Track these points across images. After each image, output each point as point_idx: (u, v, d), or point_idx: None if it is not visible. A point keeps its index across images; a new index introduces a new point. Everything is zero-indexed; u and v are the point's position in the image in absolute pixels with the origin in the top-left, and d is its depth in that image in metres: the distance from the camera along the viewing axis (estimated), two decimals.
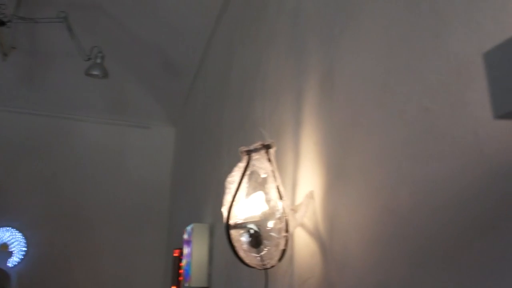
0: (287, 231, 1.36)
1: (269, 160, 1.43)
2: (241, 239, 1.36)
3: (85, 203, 5.35)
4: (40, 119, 5.39)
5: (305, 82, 1.62)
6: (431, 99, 0.93)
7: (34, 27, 4.46)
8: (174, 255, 4.26)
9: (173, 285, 4.18)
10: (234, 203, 1.35)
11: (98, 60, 3.79)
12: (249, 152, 1.42)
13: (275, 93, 1.94)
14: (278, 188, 1.40)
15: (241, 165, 1.43)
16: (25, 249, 5.09)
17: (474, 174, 0.79)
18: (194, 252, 2.77)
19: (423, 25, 0.98)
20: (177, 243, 4.39)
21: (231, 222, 1.34)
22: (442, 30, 0.92)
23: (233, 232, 1.34)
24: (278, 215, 1.36)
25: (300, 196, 1.49)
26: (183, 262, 3.11)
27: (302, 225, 1.42)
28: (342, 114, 1.31)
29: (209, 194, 3.08)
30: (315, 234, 1.38)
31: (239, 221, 1.35)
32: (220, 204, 2.69)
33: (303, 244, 1.45)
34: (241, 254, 1.35)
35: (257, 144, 1.44)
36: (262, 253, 1.36)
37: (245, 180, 1.39)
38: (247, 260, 1.36)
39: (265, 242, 1.37)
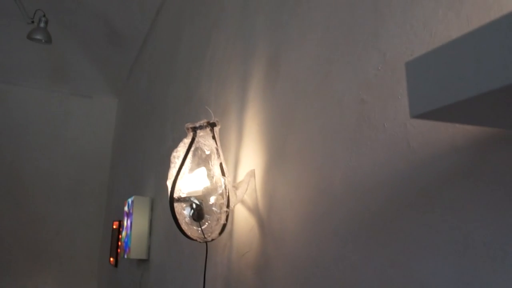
0: (228, 206, 1.44)
1: (214, 137, 1.49)
2: (184, 212, 1.42)
3: (22, 171, 5.22)
4: None
5: (252, 66, 1.68)
6: (367, 91, 1.02)
7: None
8: (113, 227, 4.27)
9: (111, 256, 4.20)
10: (178, 177, 1.40)
11: (42, 25, 3.69)
12: (194, 129, 1.47)
13: (222, 74, 1.99)
14: (221, 165, 1.47)
15: (186, 141, 1.48)
16: None
17: (400, 162, 0.89)
18: (134, 224, 2.80)
19: (365, 22, 1.06)
20: (116, 215, 4.40)
21: (175, 195, 1.39)
22: (381, 28, 1.00)
23: (176, 205, 1.40)
24: (220, 191, 1.43)
25: (242, 174, 1.57)
26: (123, 234, 3.14)
27: (243, 202, 1.50)
28: (285, 98, 1.39)
29: (151, 168, 3.11)
30: (254, 211, 1.46)
31: (183, 195, 1.41)
32: (162, 178, 2.73)
33: (243, 220, 1.53)
34: (184, 227, 1.41)
35: (202, 122, 1.50)
36: (203, 227, 1.43)
37: (190, 155, 1.44)
38: (189, 233, 1.42)
39: (206, 216, 1.43)
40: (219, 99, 1.95)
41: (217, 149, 1.48)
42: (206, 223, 1.44)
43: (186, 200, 1.42)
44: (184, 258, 2.15)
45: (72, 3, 4.37)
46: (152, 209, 2.87)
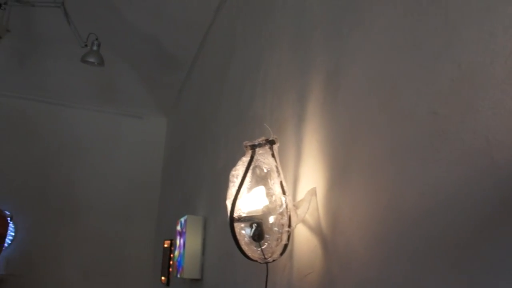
0: (289, 226, 1.39)
1: (273, 155, 1.46)
2: (244, 232, 1.39)
3: (75, 190, 5.34)
4: (30, 104, 5.36)
5: (309, 80, 1.64)
6: (441, 103, 0.96)
7: (29, 11, 4.42)
8: (165, 246, 4.29)
9: (163, 275, 4.21)
10: (238, 196, 1.37)
11: (95, 47, 3.79)
12: (253, 147, 1.45)
13: (277, 90, 1.97)
14: (281, 184, 1.43)
15: (245, 159, 1.45)
16: (13, 234, 5.07)
17: (483, 179, 0.83)
18: (188, 243, 2.79)
19: (435, 32, 1.01)
20: (167, 234, 4.42)
21: (235, 215, 1.36)
22: (454, 38, 0.95)
23: (236, 225, 1.37)
24: (281, 210, 1.39)
25: (302, 193, 1.52)
26: (175, 253, 3.13)
27: (303, 221, 1.46)
28: (348, 113, 1.34)
29: (203, 187, 3.10)
30: (316, 230, 1.41)
31: (243, 215, 1.38)
32: (214, 197, 2.72)
33: (304, 240, 1.48)
34: (244, 247, 1.37)
35: (261, 139, 1.47)
36: (263, 247, 1.39)
37: (249, 174, 1.41)
38: (249, 254, 1.38)
39: (266, 236, 1.40)
40: (275, 116, 1.92)
41: (277, 167, 1.44)
42: (266, 243, 1.40)
43: (246, 219, 1.38)
44: (239, 278, 2.11)
45: (122, 26, 4.48)
46: (204, 228, 2.85)
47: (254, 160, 1.44)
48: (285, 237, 1.40)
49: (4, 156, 5.17)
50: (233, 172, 1.46)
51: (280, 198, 1.41)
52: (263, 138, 1.48)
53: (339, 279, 1.25)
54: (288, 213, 1.40)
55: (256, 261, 1.41)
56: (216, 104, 3.10)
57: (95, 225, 5.34)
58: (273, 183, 1.43)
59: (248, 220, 1.38)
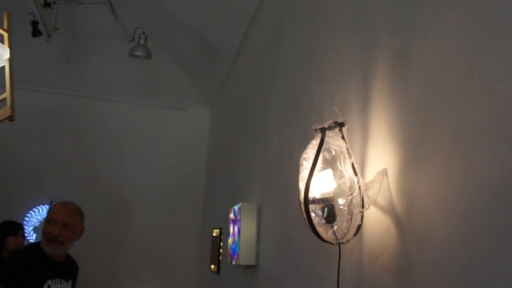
0: (362, 206, 1.40)
1: (343, 137, 1.46)
2: (317, 214, 1.40)
3: (123, 184, 5.48)
4: (77, 100, 5.51)
5: (373, 62, 1.64)
6: None
7: (75, 8, 4.54)
8: (213, 234, 4.35)
9: (212, 263, 4.27)
10: (311, 179, 1.39)
11: (142, 41, 3.86)
12: (323, 130, 1.45)
13: (336, 74, 1.97)
14: (353, 165, 1.44)
15: (315, 142, 1.46)
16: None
17: None
18: (243, 231, 2.83)
19: None
20: (215, 223, 4.48)
21: (309, 197, 1.38)
22: None
23: (310, 207, 1.38)
24: (353, 191, 1.40)
25: (370, 174, 1.52)
26: (229, 241, 3.18)
27: (374, 202, 1.46)
28: (421, 94, 1.33)
29: (255, 174, 3.13)
30: (389, 211, 1.41)
31: (317, 196, 1.39)
32: (268, 184, 2.74)
33: (374, 221, 1.48)
34: (318, 228, 1.39)
35: (330, 122, 1.47)
36: (336, 228, 1.40)
37: (320, 156, 1.42)
38: (323, 235, 1.40)
39: (340, 217, 1.41)
40: (336, 100, 1.92)
41: (347, 149, 1.45)
42: (338, 225, 1.41)
43: (319, 201, 1.40)
44: (301, 263, 2.12)
45: (167, 19, 4.55)
46: (259, 215, 2.88)
47: (325, 142, 1.44)
48: (358, 217, 1.41)
49: (55, 151, 5.34)
50: (303, 156, 1.48)
51: (353, 179, 1.42)
52: (331, 121, 1.49)
53: (417, 258, 1.25)
54: (361, 194, 1.40)
55: (329, 242, 1.43)
56: (265, 93, 3.11)
57: (143, 217, 5.47)
58: (345, 165, 1.43)
59: (321, 201, 1.40)
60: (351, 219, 1.42)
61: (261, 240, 2.83)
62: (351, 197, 1.41)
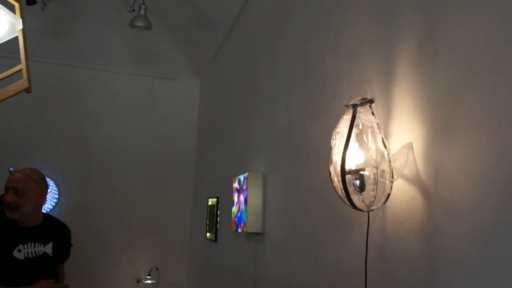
0: (392, 177, 1.52)
1: (373, 113, 1.57)
2: (351, 184, 1.52)
3: (113, 155, 5.52)
4: (67, 69, 5.47)
5: (397, 43, 1.73)
6: None
7: None
8: (209, 203, 4.46)
9: (209, 232, 4.39)
10: (346, 151, 1.50)
11: (142, 12, 3.85)
12: (354, 106, 1.56)
13: (354, 52, 2.05)
14: (382, 139, 1.55)
15: (346, 117, 1.57)
16: (57, 196, 5.25)
17: None
18: (250, 199, 2.94)
19: None
20: (210, 192, 4.58)
21: (346, 168, 1.49)
22: None
23: (346, 178, 1.49)
24: (384, 162, 1.52)
25: (394, 148, 1.64)
26: (234, 210, 3.29)
27: (401, 173, 1.58)
28: (449, 75, 1.43)
29: (259, 145, 3.22)
30: (415, 181, 1.53)
31: (352, 168, 1.51)
32: (274, 155, 2.85)
33: (400, 191, 1.60)
34: (353, 197, 1.51)
35: (359, 99, 1.58)
36: (366, 196, 1.53)
37: (354, 131, 1.53)
38: (356, 203, 1.52)
39: (369, 186, 1.53)
40: (354, 77, 2.01)
41: (377, 124, 1.56)
42: (368, 194, 1.53)
43: (354, 172, 1.51)
44: (314, 231, 2.25)
45: None
46: (264, 185, 2.99)
47: (356, 118, 1.55)
48: (388, 187, 1.53)
49: (44, 122, 5.33)
50: (337, 130, 1.58)
51: (383, 152, 1.53)
52: (360, 97, 1.59)
53: (445, 225, 1.37)
54: (391, 165, 1.52)
55: (360, 210, 1.55)
56: (269, 64, 3.18)
57: (134, 187, 5.53)
58: (375, 139, 1.55)
59: (355, 172, 1.52)
60: (379, 188, 1.55)
61: (267, 209, 2.95)
62: (381, 168, 1.53)
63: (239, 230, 3.09)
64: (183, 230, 5.70)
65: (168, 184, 5.70)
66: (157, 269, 5.42)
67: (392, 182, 1.53)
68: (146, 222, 5.54)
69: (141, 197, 5.56)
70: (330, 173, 1.65)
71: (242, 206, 3.04)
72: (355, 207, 1.54)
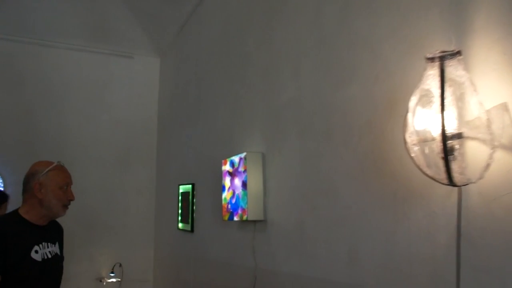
0: (492, 145, 1.24)
1: (464, 68, 1.28)
2: (444, 151, 1.22)
3: (66, 139, 4.97)
4: (9, 44, 4.83)
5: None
6: None
7: None
8: (181, 191, 4.08)
9: (183, 222, 4.01)
10: (443, 112, 1.20)
11: None
12: (442, 59, 1.26)
13: (398, 10, 1.76)
14: (476, 100, 1.26)
15: (433, 72, 1.27)
16: (2, 189, 4.68)
17: None
18: (250, 183, 2.60)
19: None
20: (182, 179, 4.20)
21: (447, 132, 1.20)
22: None
23: (447, 144, 1.20)
24: (481, 126, 1.23)
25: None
26: (225, 196, 2.93)
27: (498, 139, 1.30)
28: None
29: (255, 122, 2.87)
30: None
31: (454, 131, 1.22)
32: (277, 132, 2.52)
33: (494, 160, 1.33)
34: (453, 167, 1.21)
35: (440, 52, 1.28)
36: (464, 167, 1.24)
37: (447, 89, 1.23)
38: (455, 175, 1.23)
39: (462, 156, 1.25)
40: (402, 33, 1.71)
41: (470, 81, 1.27)
42: (464, 163, 1.25)
43: (452, 137, 1.22)
44: (350, 214, 1.95)
45: None
46: (264, 166, 2.66)
47: (446, 73, 1.26)
48: (488, 155, 1.25)
49: None
50: (423, 87, 1.28)
51: (479, 114, 1.25)
52: (438, 50, 1.30)
53: None
54: (489, 130, 1.24)
55: (453, 184, 1.26)
56: (263, 33, 2.84)
57: (91, 177, 5.02)
58: (469, 98, 1.26)
59: (453, 137, 1.22)
60: (478, 157, 1.27)
61: (268, 193, 2.62)
62: (479, 133, 1.25)
63: (235, 218, 2.74)
64: (147, 221, 5.24)
65: (127, 172, 5.21)
66: (120, 265, 4.95)
67: (493, 149, 1.24)
68: (105, 215, 5.04)
69: (98, 188, 5.04)
70: (406, 142, 1.35)
71: (239, 191, 2.70)
72: (450, 180, 1.25)
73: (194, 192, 3.85)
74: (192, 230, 3.85)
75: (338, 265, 2.00)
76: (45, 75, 4.93)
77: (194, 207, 3.84)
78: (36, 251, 2.17)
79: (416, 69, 1.57)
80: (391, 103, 1.77)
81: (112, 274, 4.84)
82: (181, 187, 4.15)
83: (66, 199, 2.25)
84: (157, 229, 5.21)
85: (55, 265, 2.31)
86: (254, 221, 2.72)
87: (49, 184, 2.21)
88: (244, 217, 2.61)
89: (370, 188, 1.84)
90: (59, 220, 2.73)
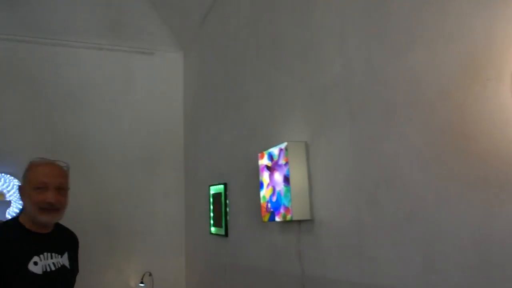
0: None
1: None
2: None
3: (87, 142, 4.69)
4: (25, 46, 4.59)
5: None
6: None
7: None
8: (211, 192, 3.77)
9: (216, 226, 3.69)
10: None
11: None
12: None
13: None
14: None
15: None
16: None
17: None
18: (293, 177, 2.25)
19: None
20: (212, 179, 3.89)
21: None
22: None
23: None
24: None
25: None
26: (264, 194, 2.59)
27: None
28: None
29: (292, 109, 2.53)
30: None
31: None
32: (321, 116, 2.16)
33: None
34: None
35: None
36: None
37: None
38: None
39: None
40: None
41: None
42: None
43: None
44: (426, 207, 1.58)
45: None
46: (308, 158, 2.31)
47: None
48: None
49: (3, 108, 4.45)
50: None
51: None
52: None
53: None
54: None
55: None
56: (299, 8, 2.50)
57: (116, 182, 4.73)
58: None
59: None
60: None
61: (314, 188, 2.26)
62: None
63: (277, 219, 2.40)
64: (176, 227, 4.93)
65: (152, 174, 4.90)
66: (150, 274, 4.64)
67: None
68: (130, 221, 4.74)
69: (123, 192, 4.74)
70: None
71: (281, 187, 2.35)
72: None
73: (227, 193, 3.51)
74: (226, 235, 3.52)
75: (409, 272, 1.63)
76: (62, 76, 4.66)
77: (228, 209, 3.50)
78: (36, 263, 1.91)
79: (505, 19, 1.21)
80: (473, 65, 1.40)
81: (141, 285, 4.53)
82: (211, 188, 3.83)
83: (44, 202, 1.93)
84: (188, 234, 4.88)
85: (61, 278, 2.03)
86: (299, 221, 2.37)
87: (26, 186, 1.96)
88: (288, 217, 2.26)
89: (450, 173, 1.47)
90: (76, 227, 2.47)
